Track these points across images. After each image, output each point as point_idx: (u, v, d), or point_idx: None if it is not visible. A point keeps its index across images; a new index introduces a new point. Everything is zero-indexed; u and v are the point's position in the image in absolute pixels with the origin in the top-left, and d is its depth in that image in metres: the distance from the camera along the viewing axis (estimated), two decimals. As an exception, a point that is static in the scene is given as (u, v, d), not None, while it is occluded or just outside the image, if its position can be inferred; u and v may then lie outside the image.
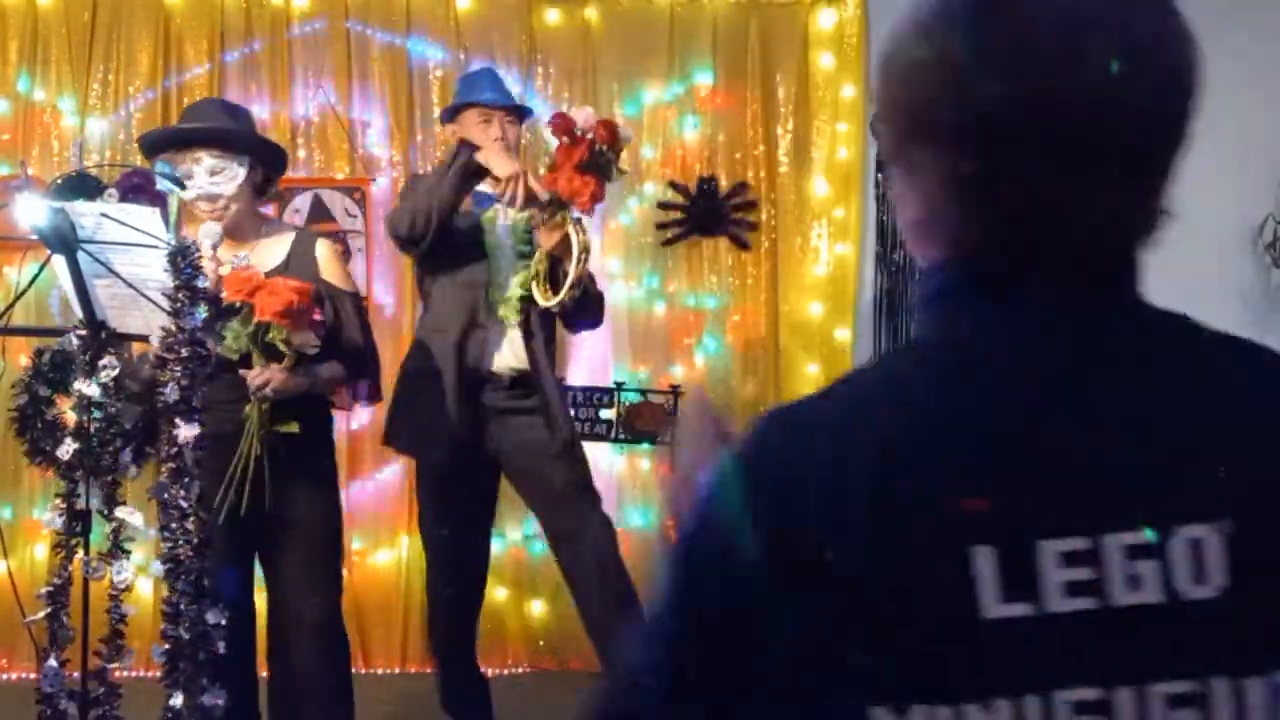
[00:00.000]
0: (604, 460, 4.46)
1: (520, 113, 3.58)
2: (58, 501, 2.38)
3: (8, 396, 2.53)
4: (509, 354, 3.41)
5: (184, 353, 2.31)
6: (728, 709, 0.76)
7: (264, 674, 3.16)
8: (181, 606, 2.30)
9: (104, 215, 2.31)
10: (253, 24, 4.38)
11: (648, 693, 0.79)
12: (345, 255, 4.27)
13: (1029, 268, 0.79)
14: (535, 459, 3.44)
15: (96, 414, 2.37)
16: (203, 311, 2.34)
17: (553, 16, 4.45)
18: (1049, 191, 0.77)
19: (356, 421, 4.34)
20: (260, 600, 3.18)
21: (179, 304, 2.32)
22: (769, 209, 4.46)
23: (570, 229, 3.21)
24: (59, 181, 2.61)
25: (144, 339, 2.47)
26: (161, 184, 2.70)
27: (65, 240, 2.31)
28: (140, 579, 3.59)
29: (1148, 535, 0.73)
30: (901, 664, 0.72)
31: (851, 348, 4.52)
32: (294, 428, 2.93)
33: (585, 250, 3.22)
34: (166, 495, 2.33)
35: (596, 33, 4.45)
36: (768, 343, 4.47)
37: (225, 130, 3.00)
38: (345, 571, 3.83)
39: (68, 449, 2.36)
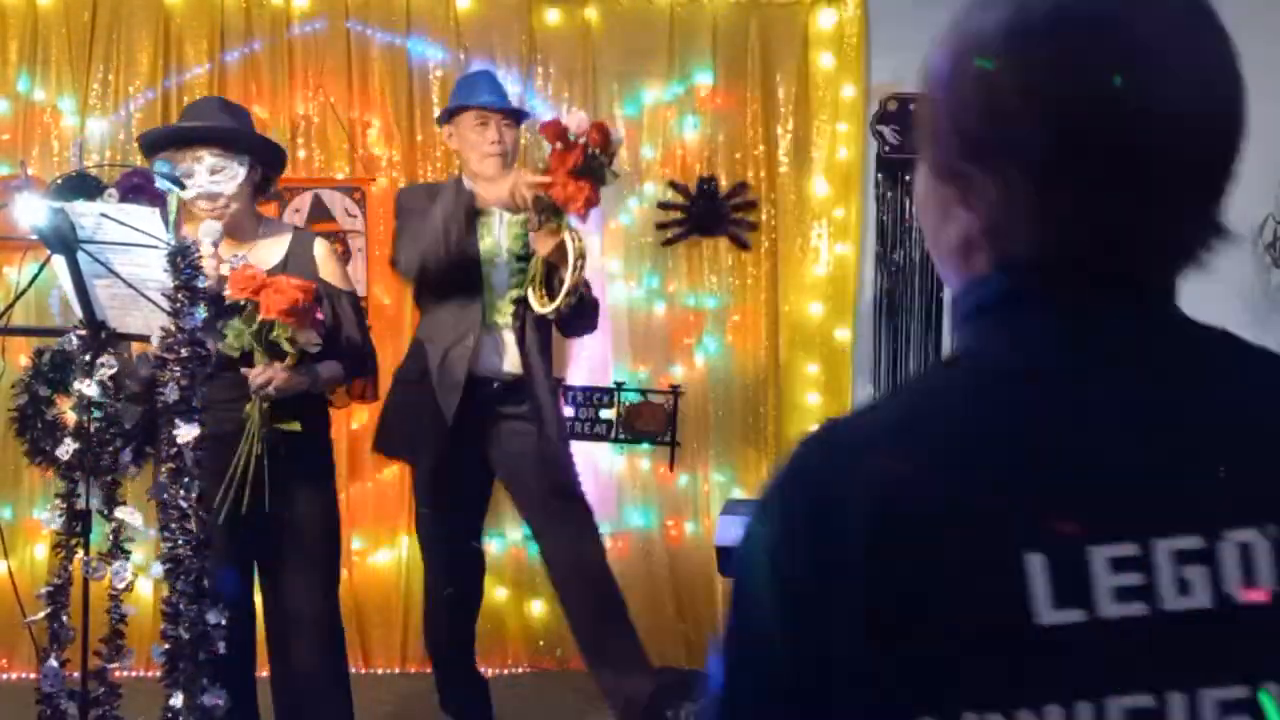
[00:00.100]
0: (604, 460, 4.46)
1: (517, 115, 3.58)
2: (58, 501, 2.38)
3: (8, 396, 2.53)
4: (503, 359, 3.42)
5: (184, 353, 2.32)
6: None
7: (264, 674, 3.16)
8: (181, 606, 2.30)
9: (104, 215, 2.31)
10: (253, 24, 4.38)
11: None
12: (345, 255, 4.27)
13: (1080, 282, 0.80)
14: (525, 464, 3.46)
15: (96, 414, 2.38)
16: (203, 311, 2.34)
17: (553, 16, 4.45)
18: (1108, 209, 0.78)
19: (356, 421, 4.34)
20: (259, 600, 3.18)
21: (179, 304, 2.32)
22: (769, 209, 4.46)
23: (566, 236, 3.21)
24: (59, 181, 2.61)
25: (144, 339, 2.47)
26: (161, 183, 2.69)
27: (65, 240, 2.31)
28: (140, 579, 3.59)
29: (1196, 541, 0.74)
30: (951, 672, 0.73)
31: (851, 348, 4.52)
32: (296, 426, 2.94)
33: (581, 257, 3.22)
34: (166, 495, 2.33)
35: (596, 33, 4.45)
36: (768, 343, 4.47)
37: (226, 129, 3.01)
38: (345, 571, 3.84)
39: (67, 449, 2.36)
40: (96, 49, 4.33)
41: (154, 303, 2.37)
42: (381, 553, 4.43)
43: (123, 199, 2.43)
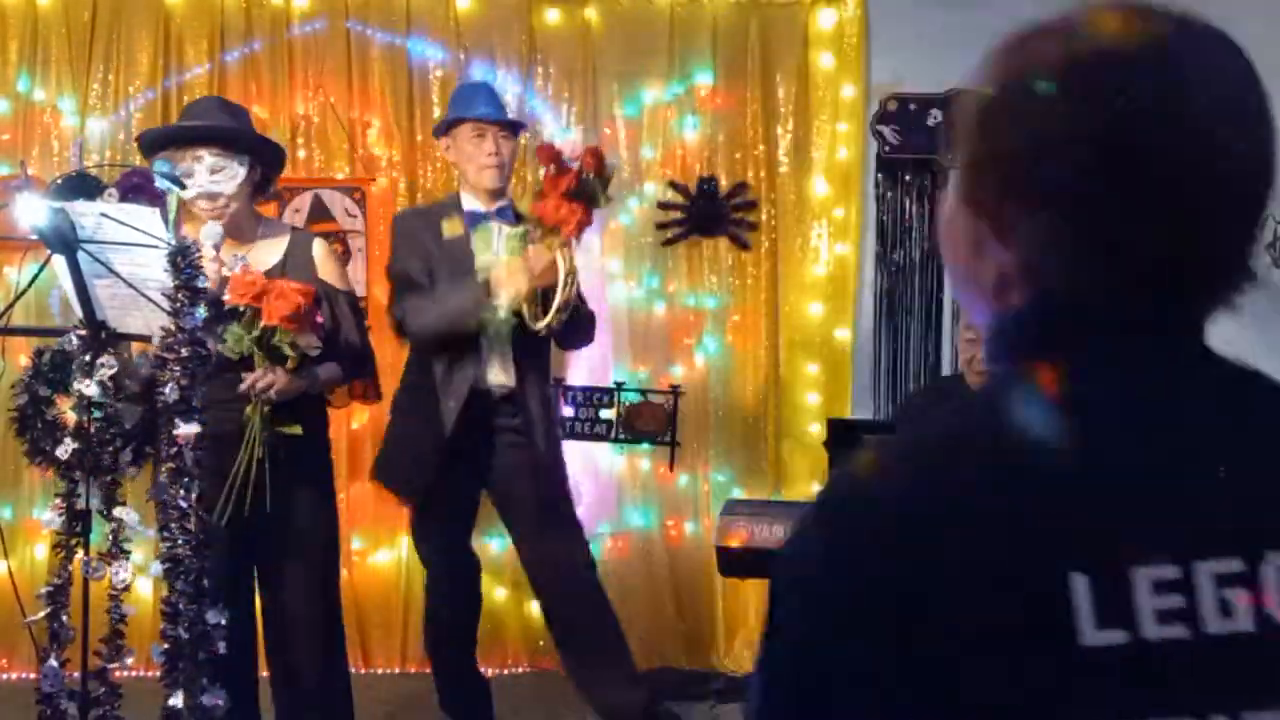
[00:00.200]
0: (604, 460, 4.46)
1: (514, 127, 3.59)
2: (58, 501, 2.38)
3: (8, 396, 2.53)
4: (498, 371, 3.44)
5: (184, 352, 2.32)
6: None
7: (264, 674, 3.16)
8: (181, 606, 2.30)
9: (104, 215, 2.31)
10: (253, 24, 4.38)
11: None
12: (345, 255, 4.27)
13: (1120, 317, 0.81)
14: (516, 475, 3.48)
15: (96, 414, 2.37)
16: (203, 311, 2.34)
17: (553, 16, 4.45)
18: (1150, 248, 0.79)
19: (357, 421, 4.34)
20: (259, 601, 3.18)
21: (179, 304, 2.32)
22: (769, 209, 4.46)
23: (558, 253, 3.22)
24: (59, 181, 2.61)
25: (144, 339, 2.47)
26: (161, 182, 2.69)
27: (65, 240, 2.30)
28: (140, 579, 3.59)
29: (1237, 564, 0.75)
30: (996, 692, 0.73)
31: (851, 348, 4.52)
32: (297, 430, 2.94)
33: (571, 274, 3.24)
34: (166, 495, 2.33)
35: (596, 33, 4.45)
36: (768, 343, 4.47)
37: (226, 128, 3.01)
38: (345, 571, 3.84)
39: (67, 449, 2.36)
40: (96, 49, 4.32)
41: (154, 303, 2.37)
42: (381, 553, 4.43)
43: (123, 199, 2.43)
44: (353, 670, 3.40)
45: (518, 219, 3.45)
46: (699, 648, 4.42)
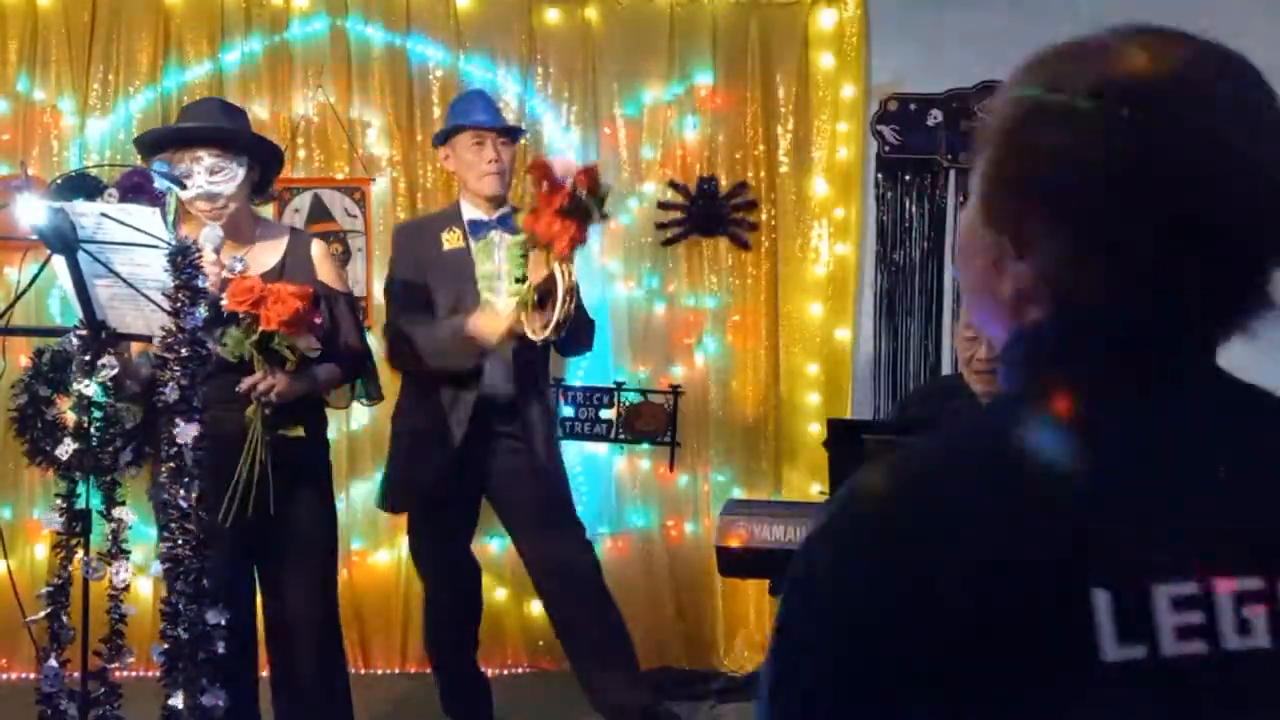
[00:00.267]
0: (604, 460, 4.46)
1: (513, 133, 3.60)
2: (58, 501, 2.38)
3: (8, 396, 2.53)
4: (499, 377, 3.45)
5: (184, 352, 2.32)
6: None
7: (264, 674, 3.16)
8: (181, 607, 2.30)
9: (104, 215, 2.31)
10: (252, 23, 4.38)
11: None
12: (345, 255, 4.27)
13: (1141, 335, 0.82)
14: (517, 480, 3.49)
15: (96, 414, 2.37)
16: (203, 311, 2.34)
17: (553, 16, 4.45)
18: (1178, 269, 0.79)
19: (356, 422, 4.34)
20: (259, 601, 3.18)
21: (179, 304, 2.32)
22: (769, 209, 4.46)
23: (556, 268, 3.21)
24: (59, 181, 2.61)
25: (144, 339, 2.47)
26: (160, 183, 2.69)
27: (65, 240, 2.30)
28: (140, 579, 3.59)
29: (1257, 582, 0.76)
30: (1015, 707, 0.73)
31: (851, 348, 4.52)
32: (300, 432, 2.95)
33: (570, 292, 3.24)
34: (166, 495, 2.33)
35: (596, 33, 4.44)
36: (768, 343, 4.47)
37: (225, 129, 3.01)
38: (345, 572, 3.84)
39: (67, 449, 2.36)
40: (96, 49, 4.32)
41: (154, 303, 2.37)
42: (381, 553, 4.43)
43: (122, 199, 2.43)
44: (353, 670, 3.41)
45: (520, 212, 3.44)
46: (699, 648, 4.42)
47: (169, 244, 2.33)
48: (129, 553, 2.39)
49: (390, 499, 3.60)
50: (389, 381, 3.59)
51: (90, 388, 2.35)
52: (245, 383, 2.84)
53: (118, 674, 2.39)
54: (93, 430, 2.37)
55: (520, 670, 4.44)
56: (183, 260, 2.32)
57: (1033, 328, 0.85)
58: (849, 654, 0.77)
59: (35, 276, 2.53)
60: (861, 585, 0.77)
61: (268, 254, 3.05)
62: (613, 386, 4.40)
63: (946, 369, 4.42)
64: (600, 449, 4.44)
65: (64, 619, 2.37)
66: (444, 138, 3.58)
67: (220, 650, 2.36)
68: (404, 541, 4.30)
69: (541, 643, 4.39)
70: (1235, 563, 0.76)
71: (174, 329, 2.32)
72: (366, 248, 4.34)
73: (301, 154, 4.37)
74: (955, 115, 4.39)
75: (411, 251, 3.52)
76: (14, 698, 3.91)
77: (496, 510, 3.64)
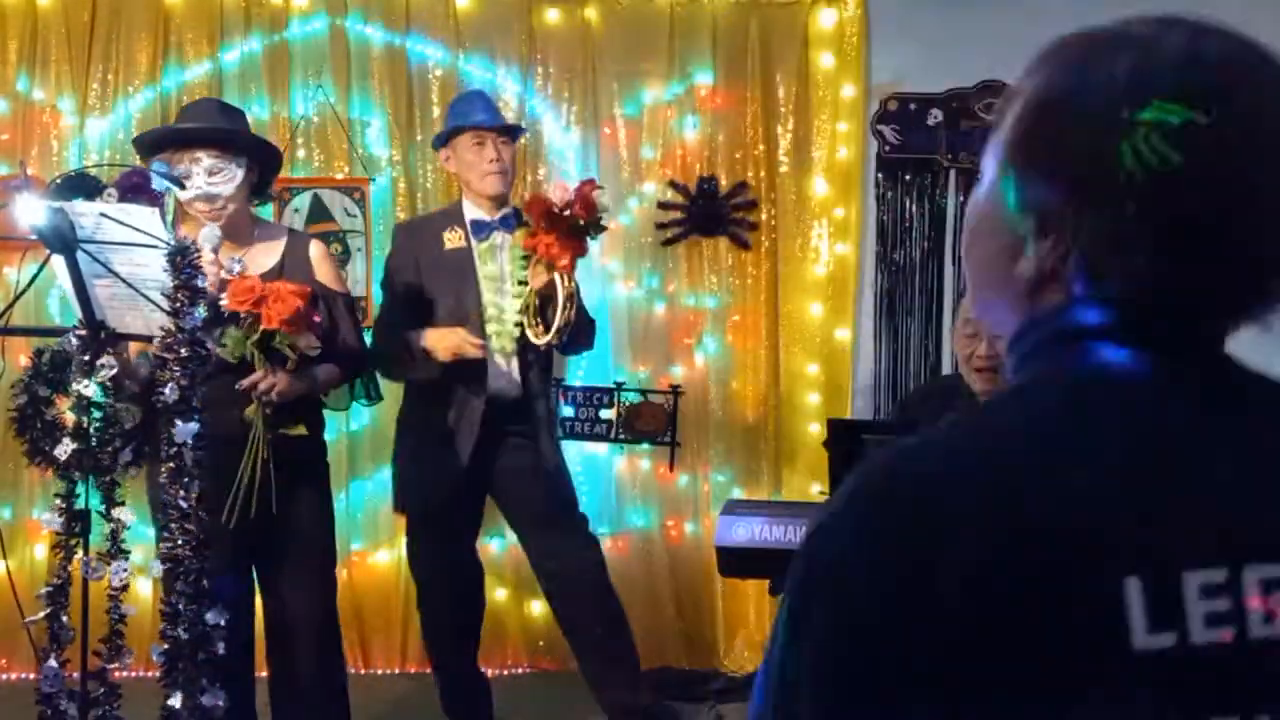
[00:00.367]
0: (604, 460, 4.46)
1: (513, 132, 3.61)
2: (57, 501, 2.38)
3: (8, 396, 2.53)
4: (504, 378, 3.45)
5: (183, 352, 2.31)
6: None
7: (262, 674, 3.16)
8: (180, 607, 2.30)
9: (103, 215, 2.31)
10: (252, 23, 4.38)
11: None
12: (345, 255, 4.27)
13: (1165, 320, 0.82)
14: (524, 478, 3.50)
15: (95, 414, 2.37)
16: (202, 311, 2.34)
17: (553, 16, 4.45)
18: (1206, 257, 0.79)
19: (356, 422, 4.34)
20: (259, 601, 3.18)
21: (178, 304, 2.32)
22: (769, 209, 4.45)
23: (557, 277, 3.26)
24: (58, 181, 2.61)
25: (143, 339, 2.46)
26: (159, 183, 2.69)
27: (65, 240, 2.30)
28: (140, 579, 3.59)
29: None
30: (1043, 696, 0.73)
31: (851, 348, 4.52)
32: (302, 430, 2.95)
33: (570, 298, 3.29)
34: (166, 495, 2.33)
35: (596, 32, 4.44)
36: (768, 343, 4.47)
37: (225, 130, 3.01)
38: (345, 572, 3.84)
39: (67, 449, 2.36)
40: (96, 49, 4.32)
41: (154, 303, 2.37)
42: (381, 553, 4.42)
43: (122, 199, 2.42)
44: (352, 670, 3.41)
45: (520, 224, 3.46)
46: (699, 648, 4.41)
47: (168, 244, 2.33)
48: (128, 553, 2.39)
49: (401, 500, 3.61)
50: (388, 381, 3.59)
51: (89, 388, 2.35)
52: (246, 381, 2.84)
53: (117, 674, 2.39)
54: (92, 430, 2.37)
55: (520, 670, 4.43)
56: (182, 260, 2.31)
57: (1055, 311, 0.84)
58: (849, 653, 0.76)
59: (35, 276, 2.53)
60: (862, 585, 0.77)
61: (266, 255, 3.05)
62: (613, 386, 4.40)
63: (946, 369, 4.42)
64: (600, 449, 4.44)
65: (63, 619, 2.36)
66: (444, 139, 3.58)
67: (220, 651, 2.36)
68: (404, 542, 4.31)
69: (541, 643, 4.39)
70: (1263, 550, 0.76)
71: (173, 329, 2.32)
72: (366, 248, 4.34)
73: (301, 154, 4.37)
74: (955, 115, 4.39)
75: (411, 250, 3.52)
76: (14, 698, 3.91)
77: (502, 508, 3.65)
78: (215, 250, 2.66)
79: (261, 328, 2.79)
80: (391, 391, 3.67)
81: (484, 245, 3.49)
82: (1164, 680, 0.73)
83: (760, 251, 4.46)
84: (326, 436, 3.20)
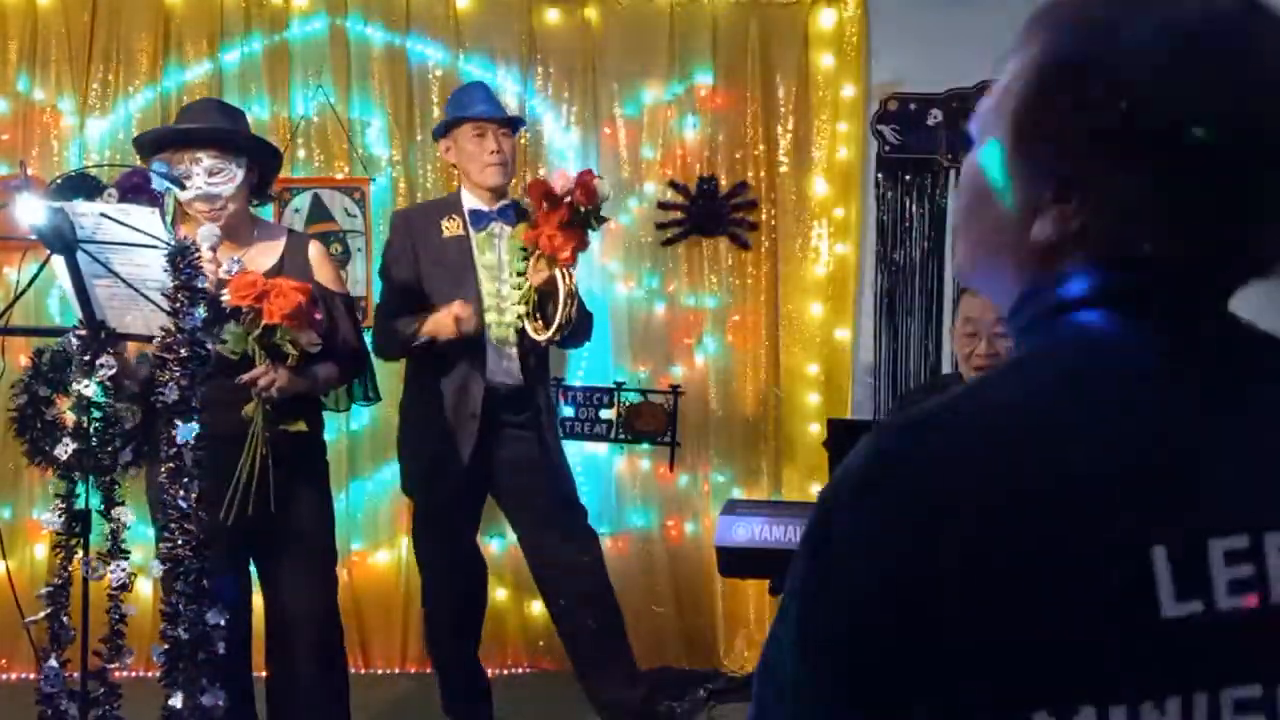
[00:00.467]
0: (604, 460, 4.46)
1: (514, 124, 3.61)
2: (57, 501, 2.38)
3: (8, 396, 2.53)
4: (504, 370, 3.46)
5: (183, 353, 2.31)
6: None
7: (262, 674, 3.16)
8: (181, 607, 2.30)
9: (103, 215, 2.31)
10: (252, 23, 4.38)
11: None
12: (345, 255, 4.27)
13: (1180, 283, 0.81)
14: (524, 471, 3.49)
15: (95, 414, 2.37)
16: (202, 311, 2.34)
17: (553, 16, 4.45)
18: (1227, 219, 0.79)
19: (356, 421, 4.34)
20: (256, 600, 3.18)
21: (178, 304, 2.32)
22: (769, 209, 4.45)
23: (557, 272, 3.27)
24: (58, 181, 2.61)
25: (143, 339, 2.46)
26: (159, 183, 2.69)
27: (65, 240, 2.30)
28: (140, 579, 3.59)
29: None
30: (1071, 665, 0.73)
31: (851, 348, 4.52)
32: (302, 426, 2.95)
33: (571, 295, 3.29)
34: (166, 495, 2.33)
35: (596, 32, 4.44)
36: (768, 343, 4.47)
37: (225, 130, 3.01)
38: (345, 571, 3.83)
39: (67, 449, 2.36)
40: (96, 49, 4.32)
41: (154, 303, 2.37)
42: (381, 553, 4.42)
43: (122, 199, 2.42)
44: (353, 670, 3.40)
45: (519, 217, 3.46)
46: (699, 648, 4.41)
47: (168, 244, 2.33)
48: (128, 553, 2.39)
49: (409, 484, 3.65)
50: (387, 381, 3.59)
51: (89, 388, 2.35)
52: (246, 376, 2.84)
53: (118, 674, 2.39)
54: (92, 430, 2.37)
55: (520, 670, 4.43)
56: (182, 260, 2.31)
57: (1062, 278, 0.83)
58: (849, 628, 0.76)
59: (35, 276, 2.53)
60: (862, 560, 0.76)
61: (266, 255, 3.05)
62: (613, 386, 4.40)
63: (947, 369, 4.42)
64: (600, 449, 4.44)
65: (64, 619, 2.36)
66: (444, 130, 3.58)
67: (220, 651, 2.36)
68: (404, 542, 4.32)
69: (541, 643, 4.39)
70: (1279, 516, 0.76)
71: (174, 329, 2.32)
72: (366, 248, 4.34)
73: (301, 154, 4.37)
74: (955, 115, 4.39)
75: (410, 235, 3.53)
76: (14, 698, 3.91)
77: (501, 500, 3.64)
78: (213, 249, 2.66)
79: (263, 323, 2.80)
80: (392, 390, 3.67)
81: (482, 235, 3.50)
82: (1190, 648, 0.73)
83: (760, 251, 4.46)
84: (326, 436, 3.20)
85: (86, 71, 4.31)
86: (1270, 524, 0.75)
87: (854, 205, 4.49)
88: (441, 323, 3.37)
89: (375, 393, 3.40)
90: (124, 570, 2.35)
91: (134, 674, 2.95)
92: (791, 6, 4.45)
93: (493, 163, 3.47)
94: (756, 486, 4.44)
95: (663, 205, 4.43)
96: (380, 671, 4.39)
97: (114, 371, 2.38)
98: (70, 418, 2.41)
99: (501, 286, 3.48)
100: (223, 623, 2.36)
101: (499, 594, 4.34)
